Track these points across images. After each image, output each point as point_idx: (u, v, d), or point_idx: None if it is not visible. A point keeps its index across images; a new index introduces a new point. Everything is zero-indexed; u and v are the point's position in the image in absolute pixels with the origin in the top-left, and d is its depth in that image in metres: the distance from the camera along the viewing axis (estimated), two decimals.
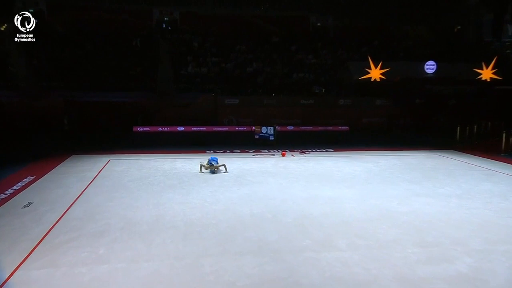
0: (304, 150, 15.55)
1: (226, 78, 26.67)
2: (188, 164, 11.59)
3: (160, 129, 23.70)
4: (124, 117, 23.90)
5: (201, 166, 10.13)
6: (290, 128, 24.67)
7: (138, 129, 23.24)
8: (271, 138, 17.72)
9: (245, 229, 6.22)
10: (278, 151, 15.38)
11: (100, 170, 10.43)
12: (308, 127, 25.57)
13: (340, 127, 25.73)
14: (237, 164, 11.50)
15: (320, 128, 25.51)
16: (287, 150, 15.25)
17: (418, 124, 25.56)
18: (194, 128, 23.88)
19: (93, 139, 18.89)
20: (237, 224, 6.73)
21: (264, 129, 18.08)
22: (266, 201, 8.01)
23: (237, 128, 25.13)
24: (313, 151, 15.54)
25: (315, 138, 22.22)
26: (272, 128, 17.86)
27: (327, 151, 15.94)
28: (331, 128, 25.67)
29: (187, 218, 6.94)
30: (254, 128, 21.44)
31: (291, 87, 27.11)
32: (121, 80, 24.92)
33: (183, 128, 24.20)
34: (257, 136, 18.24)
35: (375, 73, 26.09)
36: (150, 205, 7.63)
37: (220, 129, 24.43)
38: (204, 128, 24.08)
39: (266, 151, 15.45)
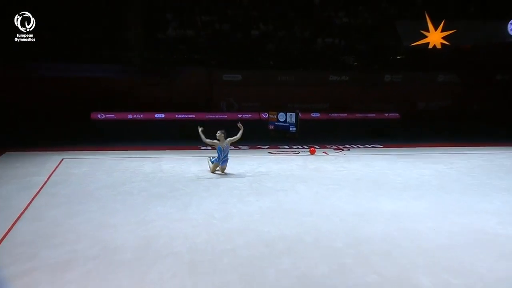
0: (341, 146, 15.68)
1: (222, 44, 26.16)
2: (179, 165, 12.14)
3: (130, 116, 24.08)
4: (78, 99, 23.74)
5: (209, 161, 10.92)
6: (315, 115, 24.94)
7: (99, 116, 23.43)
8: (292, 129, 17.84)
9: (278, 258, 6.10)
10: (304, 147, 15.61)
11: (51, 174, 10.59)
12: (341, 114, 25.45)
13: (387, 114, 25.37)
14: (249, 165, 11.83)
15: (358, 115, 25.23)
16: (316, 146, 15.45)
17: (499, 109, 25.33)
18: (180, 116, 24.16)
19: (34, 129, 18.87)
20: (264, 250, 6.52)
21: (281, 116, 18.19)
22: (299, 218, 7.94)
23: (240, 116, 25.30)
24: (353, 147, 15.83)
25: (351, 129, 22.49)
26: (293, 115, 17.91)
27: (373, 147, 16.20)
28: (374, 115, 25.36)
29: (190, 242, 6.74)
30: (267, 115, 21.44)
31: (315, 58, 26.91)
32: (71, 47, 24.18)
33: (163, 115, 24.63)
34: (271, 126, 18.47)
35: (435, 37, 25.69)
36: (133, 223, 7.46)
37: (216, 116, 24.35)
38: (194, 115, 24.21)
39: (287, 147, 15.76)
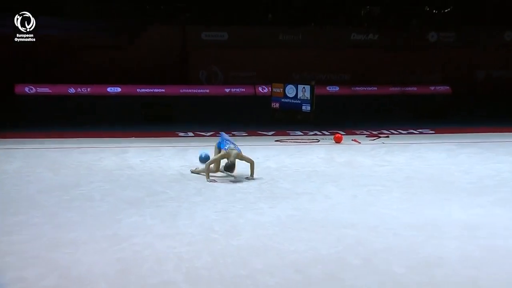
0: (376, 132, 15.87)
1: None
2: (154, 159, 12.36)
3: (71, 90, 23.59)
4: None
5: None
6: (333, 89, 25.67)
7: (27, 89, 23.04)
8: (306, 108, 17.95)
9: None
10: (324, 134, 15.83)
11: None
12: (369, 88, 25.55)
13: (433, 88, 25.30)
14: (254, 157, 11.90)
15: (392, 89, 25.18)
16: (342, 132, 15.58)
17: None
18: (143, 90, 24.28)
19: None
20: (295, 278, 6.33)
21: (290, 90, 18.23)
22: (336, 231, 7.83)
23: (227, 90, 25.26)
24: (393, 133, 16.12)
25: (385, 108, 22.64)
26: (307, 88, 17.96)
27: (421, 133, 16.41)
28: (415, 89, 25.27)
29: (187, 267, 6.55)
30: (265, 89, 21.32)
31: (330, 9, 26.99)
32: None
33: (119, 89, 24.29)
34: (276, 105, 18.59)
35: None
36: (101, 241, 7.28)
37: (194, 91, 24.76)
38: (163, 90, 24.36)
39: (299, 132, 16.05)
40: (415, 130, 16.51)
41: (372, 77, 26.28)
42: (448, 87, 25.60)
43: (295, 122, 17.32)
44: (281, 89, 18.18)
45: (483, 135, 15.59)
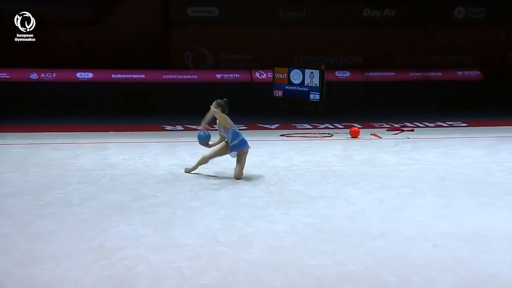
0: (399, 126, 15.89)
1: None
2: (138, 156, 12.36)
3: (33, 75, 23.57)
4: None
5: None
6: (343, 75, 25.56)
7: None
8: (315, 96, 17.99)
9: None
10: (336, 127, 15.91)
11: None
12: (385, 73, 25.89)
13: (460, 72, 25.35)
14: (255, 155, 12.15)
15: (413, 74, 25.26)
16: (358, 125, 15.69)
17: None
18: (119, 76, 24.42)
19: None
20: None
21: (296, 76, 18.26)
22: (365, 243, 7.77)
23: (218, 76, 25.42)
24: (418, 127, 16.16)
25: (406, 96, 22.73)
26: (316, 73, 17.97)
27: (450, 125, 16.55)
28: (440, 74, 25.39)
29: (190, 285, 6.47)
30: (263, 74, 21.20)
31: None
32: None
33: (91, 75, 24.28)
34: (279, 93, 18.65)
35: None
36: (85, 254, 7.17)
37: (179, 76, 24.76)
38: (142, 76, 24.56)
39: (307, 126, 16.13)
40: (444, 122, 16.57)
41: (389, 60, 26.16)
42: (478, 72, 25.54)
43: (301, 113, 17.35)
44: (285, 75, 18.13)
45: None
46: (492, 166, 11.76)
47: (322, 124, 16.17)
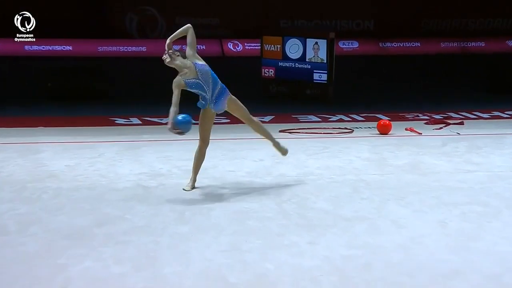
0: (442, 118, 16.13)
1: None
2: (88, 162, 12.44)
3: None
4: None
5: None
6: (349, 46, 26.88)
7: None
8: (321, 77, 17.94)
9: None
10: (356, 120, 16.18)
11: None
12: (408, 44, 26.50)
13: (511, 42, 25.61)
14: (251, 159, 12.77)
15: (446, 44, 25.55)
16: (385, 117, 15.91)
17: None
18: (35, 48, 24.86)
19: None
20: None
21: (294, 48, 18.20)
22: (434, 283, 7.72)
23: (175, 47, 24.94)
24: (467, 118, 16.39)
25: (437, 74, 23.09)
26: (322, 43, 17.95)
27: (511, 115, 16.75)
28: (483, 44, 25.77)
29: None
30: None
31: None
32: None
33: None
34: (269, 72, 18.70)
35: None
36: None
37: (120, 48, 26.06)
38: (69, 47, 25.23)
39: (314, 118, 16.29)
40: (502, 112, 16.68)
41: (412, 26, 26.33)
42: None
43: (303, 99, 17.24)
44: (279, 46, 18.04)
45: None
46: None
47: (334, 115, 16.20)
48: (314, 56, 17.59)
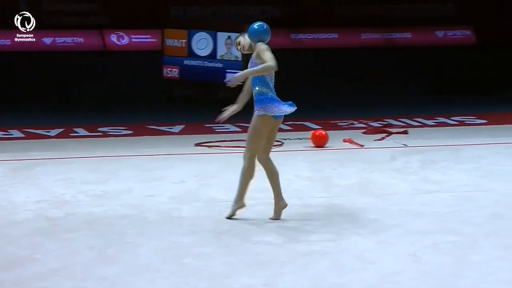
0: (381, 126, 16.28)
1: None
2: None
3: None
4: None
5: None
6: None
7: None
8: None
9: None
10: (283, 130, 15.63)
11: None
12: (324, 34, 26.72)
13: (441, 33, 26.01)
14: (174, 180, 12.93)
15: (367, 36, 25.98)
16: (316, 126, 16.12)
17: None
18: None
19: None
20: None
21: (202, 43, 18.46)
22: None
23: (47, 41, 26.15)
24: (409, 126, 16.65)
25: (363, 71, 23.08)
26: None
27: (461, 122, 17.12)
28: (409, 35, 26.26)
29: None
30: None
31: None
32: None
33: None
34: (172, 72, 18.84)
35: None
36: None
37: None
38: None
39: (231, 127, 16.46)
40: (448, 118, 16.92)
41: (325, 14, 26.53)
42: (468, 33, 26.21)
43: (213, 104, 17.15)
44: (183, 42, 17.92)
45: None
46: None
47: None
48: (226, 53, 17.39)
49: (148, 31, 24.56)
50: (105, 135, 15.66)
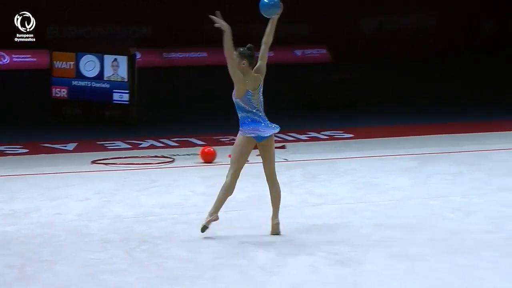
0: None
1: None
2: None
3: None
4: None
5: None
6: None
7: None
8: (121, 97, 17.98)
9: None
10: (169, 146, 16.13)
11: None
12: (192, 54, 26.46)
13: (300, 52, 26.33)
14: (78, 197, 12.71)
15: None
16: (200, 142, 15.93)
17: None
18: None
19: None
20: None
21: (89, 65, 18.15)
22: None
23: None
24: (285, 141, 16.62)
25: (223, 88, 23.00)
26: (122, 60, 17.97)
27: (331, 137, 17.18)
28: (271, 53, 26.85)
29: None
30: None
31: None
32: None
33: None
34: (61, 93, 18.33)
35: None
36: None
37: None
38: None
39: (122, 144, 16.13)
40: (318, 132, 17.14)
41: (194, 32, 26.51)
42: (324, 51, 26.46)
43: (102, 122, 17.10)
44: (71, 64, 17.74)
45: (446, 137, 16.72)
46: (434, 203, 12.40)
47: (143, 140, 16.06)
48: (113, 74, 17.32)
49: (28, 51, 24.09)
50: (2, 153, 15.29)
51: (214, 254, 10.13)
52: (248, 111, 10.62)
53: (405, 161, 14.80)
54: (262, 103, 10.84)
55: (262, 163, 11.04)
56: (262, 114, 10.76)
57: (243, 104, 10.63)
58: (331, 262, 9.87)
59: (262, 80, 10.71)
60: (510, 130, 17.58)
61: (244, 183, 13.08)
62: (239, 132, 10.71)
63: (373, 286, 9.16)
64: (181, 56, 26.97)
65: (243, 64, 10.53)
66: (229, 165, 11.24)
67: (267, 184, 11.00)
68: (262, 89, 10.78)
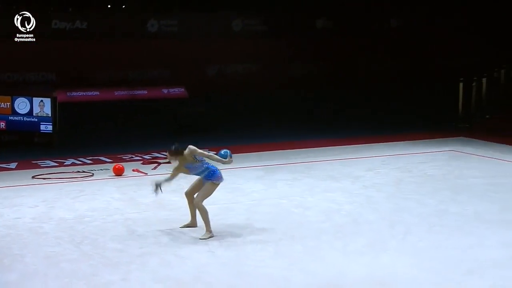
0: (151, 158, 16.12)
1: None
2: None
3: None
4: None
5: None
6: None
7: None
8: (47, 128, 17.51)
9: None
10: (86, 163, 15.70)
11: None
12: (89, 92, 26.09)
13: (166, 90, 26.08)
14: (28, 205, 12.23)
15: (118, 93, 26.02)
16: (106, 159, 15.81)
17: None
18: None
19: None
20: None
21: (22, 105, 17.63)
22: None
23: None
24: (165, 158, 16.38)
25: (127, 119, 22.71)
26: (47, 102, 17.49)
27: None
28: (145, 92, 26.18)
29: None
30: None
31: None
32: None
33: None
34: (1, 125, 17.77)
35: None
36: None
37: None
38: None
39: (50, 162, 15.70)
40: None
41: (88, 76, 26.02)
42: (182, 89, 26.42)
43: (32, 145, 17.04)
44: (8, 104, 17.51)
45: (282, 152, 17.03)
46: (283, 202, 12.55)
47: (66, 159, 15.80)
48: (40, 111, 17.15)
49: None
50: None
51: (139, 245, 10.11)
52: (204, 167, 10.61)
53: (257, 171, 14.86)
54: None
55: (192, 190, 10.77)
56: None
57: (197, 169, 10.60)
58: (222, 248, 10.02)
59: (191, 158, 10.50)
60: (326, 146, 17.83)
61: (146, 191, 12.39)
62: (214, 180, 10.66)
63: (253, 264, 9.34)
64: (80, 94, 26.31)
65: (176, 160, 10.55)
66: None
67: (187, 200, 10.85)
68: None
